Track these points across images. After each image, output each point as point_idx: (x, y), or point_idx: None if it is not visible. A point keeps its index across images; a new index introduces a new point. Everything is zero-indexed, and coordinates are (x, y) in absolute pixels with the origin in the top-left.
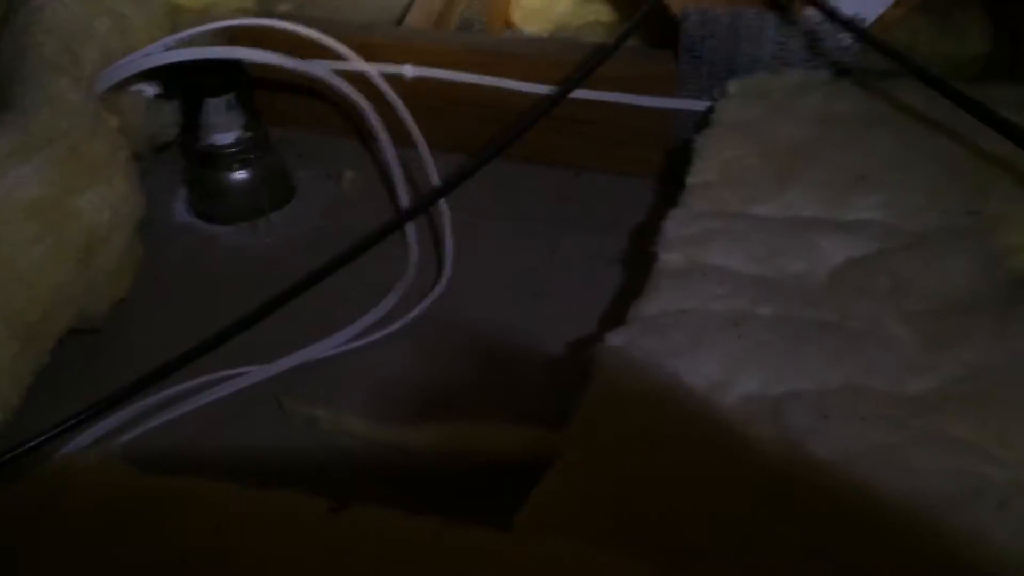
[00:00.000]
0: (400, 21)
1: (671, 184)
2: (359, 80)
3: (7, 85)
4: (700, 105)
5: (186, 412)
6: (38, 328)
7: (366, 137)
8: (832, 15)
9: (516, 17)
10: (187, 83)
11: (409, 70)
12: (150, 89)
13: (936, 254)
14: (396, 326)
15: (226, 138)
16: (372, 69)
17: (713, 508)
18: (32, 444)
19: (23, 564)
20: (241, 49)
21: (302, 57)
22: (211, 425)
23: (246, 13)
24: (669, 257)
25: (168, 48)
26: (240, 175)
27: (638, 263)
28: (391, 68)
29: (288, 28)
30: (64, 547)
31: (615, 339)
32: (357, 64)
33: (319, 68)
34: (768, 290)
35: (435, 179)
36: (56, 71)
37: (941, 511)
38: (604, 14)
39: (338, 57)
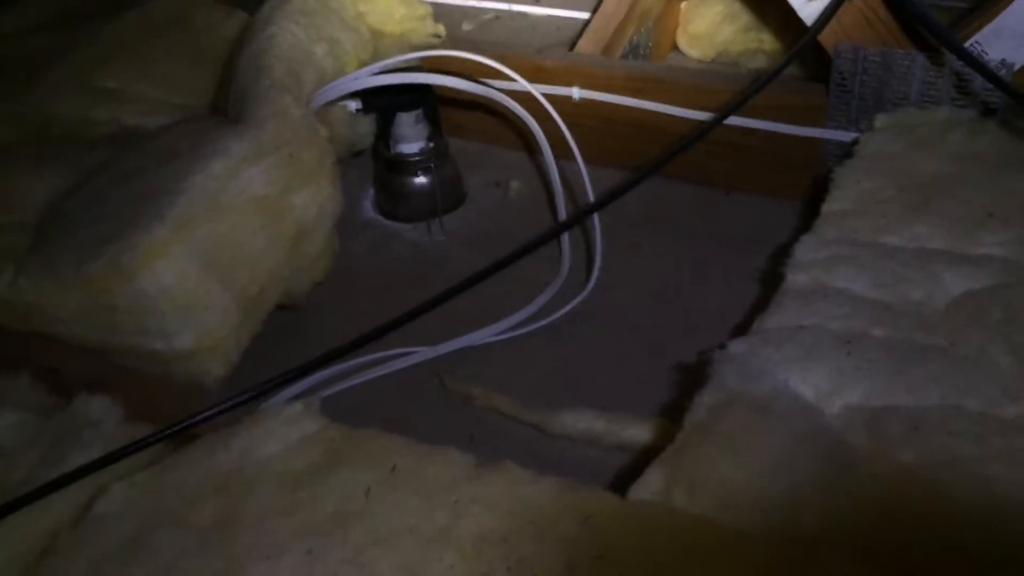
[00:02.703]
0: (572, 46)
1: (815, 208)
2: (530, 99)
3: (242, 100)
4: (848, 136)
5: (366, 381)
6: (256, 302)
7: (533, 150)
8: (976, 65)
9: (682, 42)
10: (384, 100)
11: (576, 92)
12: (353, 104)
13: None
14: (545, 322)
15: (412, 148)
16: (539, 92)
17: (803, 494)
18: (249, 397)
19: None
20: (432, 75)
21: (482, 78)
22: (386, 393)
23: (438, 37)
24: (796, 278)
25: (373, 73)
26: (421, 180)
27: (775, 281)
28: (560, 90)
29: (472, 58)
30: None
31: (736, 347)
32: (527, 86)
33: (495, 92)
34: (885, 314)
35: (591, 193)
36: (283, 90)
37: (1009, 516)
38: (766, 42)
39: (511, 79)
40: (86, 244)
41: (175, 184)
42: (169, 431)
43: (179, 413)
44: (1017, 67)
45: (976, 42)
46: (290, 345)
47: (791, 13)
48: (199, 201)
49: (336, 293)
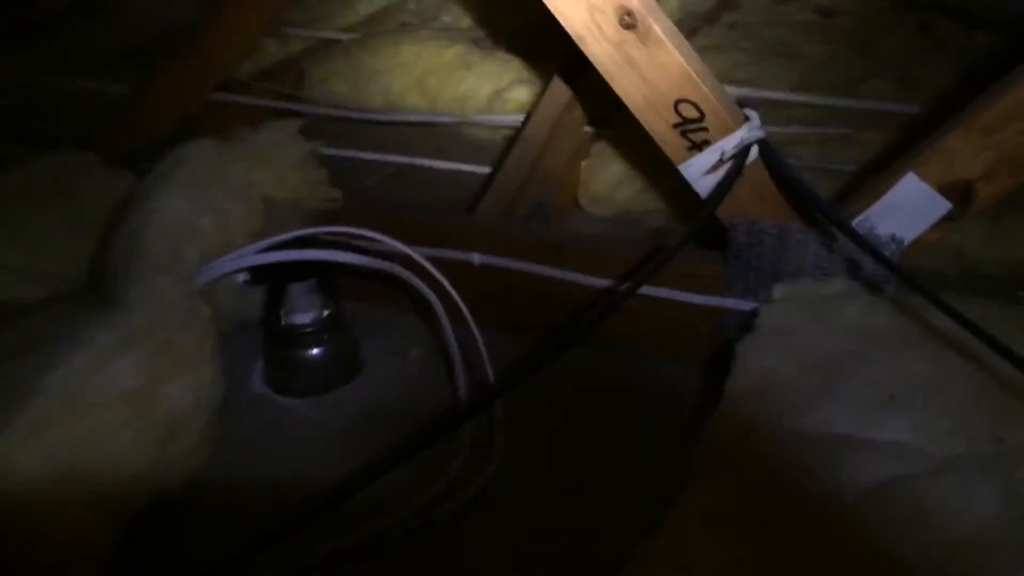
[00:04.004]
0: (475, 204)
1: (720, 378)
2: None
3: (114, 281)
4: (747, 305)
5: None
6: (120, 508)
7: (434, 315)
8: (864, 245)
9: (583, 201)
10: (274, 270)
11: (477, 258)
12: (241, 276)
13: (959, 483)
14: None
15: (305, 318)
16: (439, 256)
17: None
18: None
19: None
20: (322, 252)
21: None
22: None
23: (334, 201)
24: (703, 461)
25: (259, 251)
26: (314, 352)
27: (684, 463)
28: (460, 255)
29: (364, 234)
30: None
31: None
32: (421, 260)
33: (389, 264)
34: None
35: (491, 373)
36: (160, 270)
37: None
38: (664, 202)
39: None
40: None
41: (31, 380)
42: None
43: None
44: (907, 243)
45: (867, 218)
46: (166, 553)
47: None
48: (55, 402)
49: (217, 486)
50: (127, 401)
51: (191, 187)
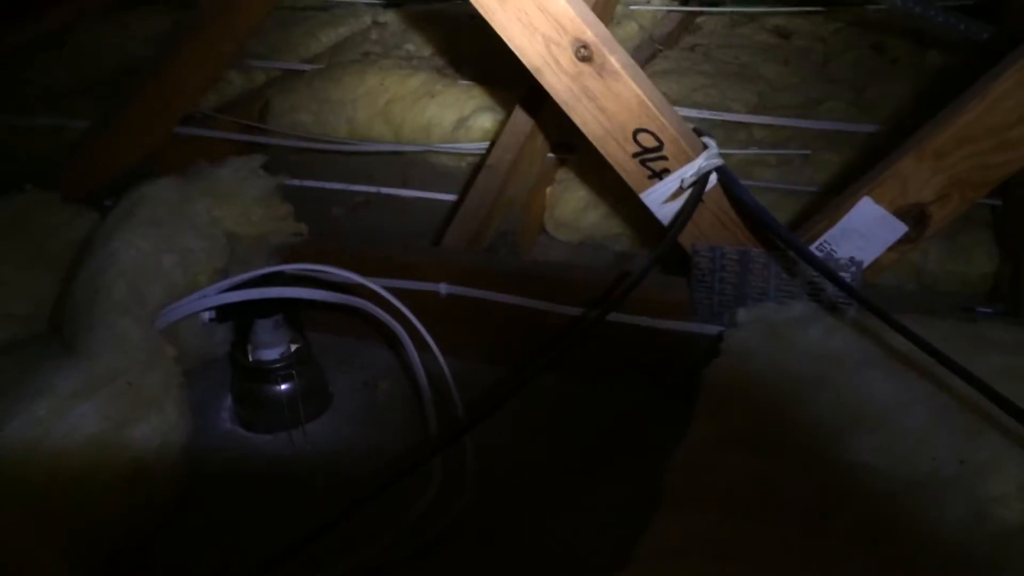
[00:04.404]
0: (441, 234)
1: (688, 405)
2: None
3: (76, 324)
4: (712, 329)
5: None
6: (88, 551)
7: (402, 345)
8: (824, 272)
9: (549, 227)
10: (239, 307)
11: (444, 288)
12: (207, 314)
13: (926, 504)
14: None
15: (272, 354)
16: (406, 288)
17: None
18: None
19: None
20: (287, 289)
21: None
22: None
23: (299, 235)
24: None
25: (222, 290)
26: (282, 388)
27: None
28: (427, 286)
29: (328, 270)
30: None
31: None
32: (386, 294)
33: (354, 300)
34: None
35: (459, 405)
36: (122, 312)
37: None
38: (628, 227)
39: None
40: None
41: None
42: None
43: None
44: (866, 265)
45: (825, 242)
46: None
47: None
48: (17, 451)
49: (186, 528)
50: (92, 446)
51: (152, 226)
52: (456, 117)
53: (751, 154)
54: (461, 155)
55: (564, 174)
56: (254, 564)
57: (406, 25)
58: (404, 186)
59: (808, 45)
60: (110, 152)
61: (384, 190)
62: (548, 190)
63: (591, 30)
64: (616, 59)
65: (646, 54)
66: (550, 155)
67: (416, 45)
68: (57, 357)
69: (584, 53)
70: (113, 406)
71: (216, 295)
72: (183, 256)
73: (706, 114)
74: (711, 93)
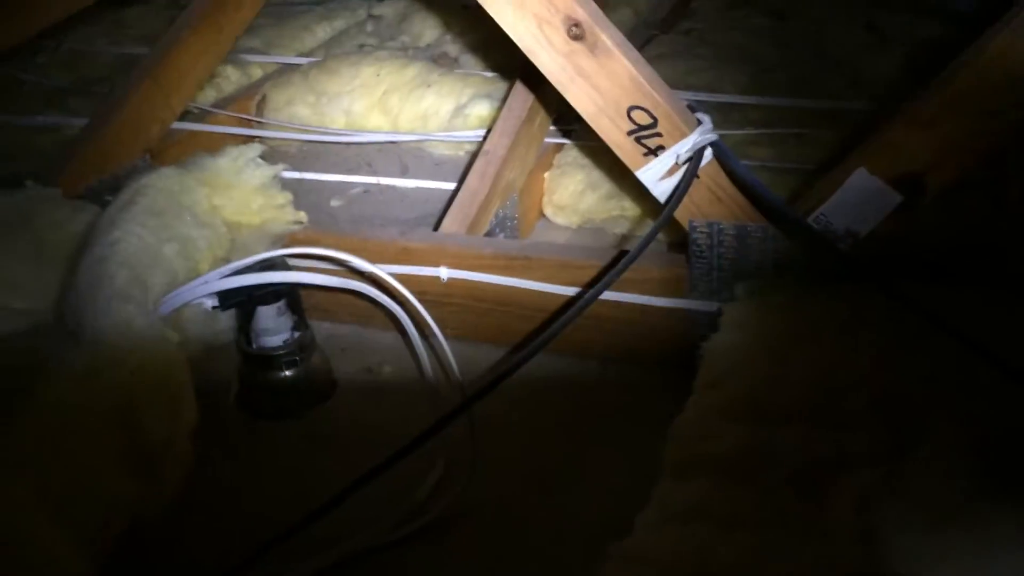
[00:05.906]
0: (440, 221)
1: (688, 381)
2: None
3: (80, 313)
4: (711, 306)
5: None
6: (96, 534)
7: (404, 330)
8: (820, 243)
9: (548, 211)
10: (242, 294)
11: (444, 273)
12: (209, 301)
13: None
14: (423, 522)
15: (275, 341)
16: (406, 273)
17: None
18: None
19: None
20: (289, 274)
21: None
22: None
23: (299, 223)
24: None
25: (224, 276)
26: (286, 374)
27: (655, 459)
28: (428, 271)
29: (328, 254)
30: None
31: None
32: (388, 277)
33: (356, 283)
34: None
35: (463, 385)
36: (125, 300)
37: None
38: (628, 208)
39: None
40: None
41: (2, 415)
42: None
43: None
44: (862, 235)
45: (821, 214)
46: None
47: None
48: (27, 435)
49: (194, 513)
50: (102, 429)
51: (153, 216)
52: (453, 105)
53: (746, 133)
54: (459, 143)
55: (562, 158)
56: (258, 544)
57: (401, 17)
58: (403, 176)
59: (803, 25)
60: (108, 149)
61: (383, 180)
62: (546, 174)
63: (582, 8)
64: (608, 36)
65: (642, 39)
66: (547, 140)
67: (411, 36)
68: (63, 345)
69: (576, 31)
70: (119, 393)
71: (217, 280)
72: (184, 244)
73: (702, 95)
74: (708, 76)
